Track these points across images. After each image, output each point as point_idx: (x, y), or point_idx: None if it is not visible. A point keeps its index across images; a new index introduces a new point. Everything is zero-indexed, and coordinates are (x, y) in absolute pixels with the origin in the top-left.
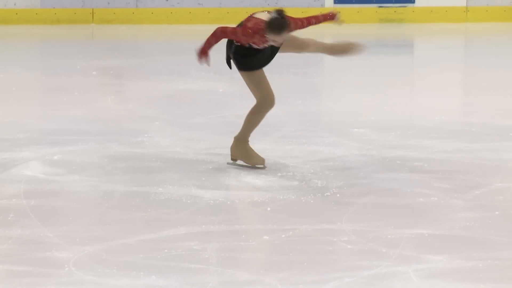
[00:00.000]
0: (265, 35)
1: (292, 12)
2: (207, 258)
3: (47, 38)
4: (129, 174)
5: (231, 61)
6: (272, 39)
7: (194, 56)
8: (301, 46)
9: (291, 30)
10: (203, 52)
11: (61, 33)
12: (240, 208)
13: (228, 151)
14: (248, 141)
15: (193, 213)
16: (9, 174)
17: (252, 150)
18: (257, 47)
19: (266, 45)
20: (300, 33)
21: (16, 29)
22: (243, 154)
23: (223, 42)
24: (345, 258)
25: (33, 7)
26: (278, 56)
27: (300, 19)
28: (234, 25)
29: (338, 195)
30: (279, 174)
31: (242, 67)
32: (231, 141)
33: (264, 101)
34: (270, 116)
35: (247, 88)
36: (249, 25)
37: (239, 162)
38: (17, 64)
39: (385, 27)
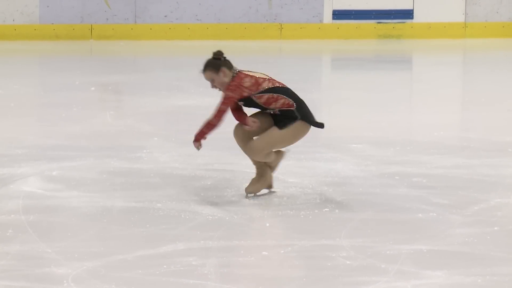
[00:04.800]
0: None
1: (291, 27)
2: (206, 273)
3: (46, 54)
4: (128, 189)
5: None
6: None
7: (192, 72)
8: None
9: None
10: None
11: (60, 49)
12: (239, 224)
13: (224, 167)
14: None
15: (192, 228)
16: (8, 190)
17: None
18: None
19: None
20: None
21: (14, 45)
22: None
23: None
24: (344, 273)
25: (32, 23)
26: (277, 72)
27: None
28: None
29: (336, 210)
30: (278, 189)
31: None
32: (229, 156)
33: None
34: None
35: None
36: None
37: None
38: (16, 80)
39: (383, 43)
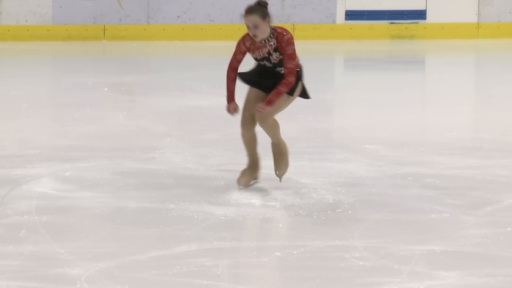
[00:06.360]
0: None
1: (304, 28)
2: (218, 274)
3: (59, 54)
4: (141, 190)
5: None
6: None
7: (205, 72)
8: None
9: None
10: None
11: (73, 50)
12: (252, 225)
13: (237, 167)
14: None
15: (205, 229)
16: (21, 191)
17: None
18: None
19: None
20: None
21: (27, 45)
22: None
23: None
24: (357, 274)
25: (45, 23)
26: None
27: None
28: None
29: (349, 211)
30: (291, 190)
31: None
32: (242, 157)
33: None
34: (281, 132)
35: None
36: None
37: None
38: (29, 80)
39: (396, 43)
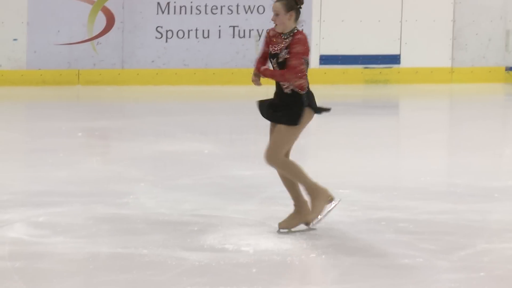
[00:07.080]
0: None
1: None
2: None
3: (33, 99)
4: (114, 235)
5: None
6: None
7: (180, 117)
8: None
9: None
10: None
11: (47, 95)
12: (226, 270)
13: (211, 212)
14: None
15: (178, 275)
16: None
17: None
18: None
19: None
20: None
21: (1, 90)
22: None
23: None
24: None
25: (19, 68)
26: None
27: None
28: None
29: (323, 256)
30: (264, 235)
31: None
32: (216, 202)
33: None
34: (255, 177)
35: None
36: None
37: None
38: (2, 125)
39: (370, 88)
